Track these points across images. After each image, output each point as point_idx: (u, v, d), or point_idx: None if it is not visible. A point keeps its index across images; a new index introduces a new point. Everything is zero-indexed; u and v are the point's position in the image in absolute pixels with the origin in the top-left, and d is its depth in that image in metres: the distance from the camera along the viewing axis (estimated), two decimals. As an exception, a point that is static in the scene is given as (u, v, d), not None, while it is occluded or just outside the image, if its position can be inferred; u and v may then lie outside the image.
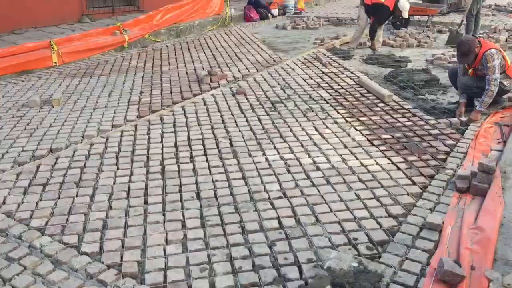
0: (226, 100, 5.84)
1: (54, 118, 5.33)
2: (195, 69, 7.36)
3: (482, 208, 3.27)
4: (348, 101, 5.78)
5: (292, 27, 11.55)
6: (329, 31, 11.15)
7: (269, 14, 12.88)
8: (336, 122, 5.07)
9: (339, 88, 6.29)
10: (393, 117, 5.20)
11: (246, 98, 5.91)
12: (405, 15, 8.38)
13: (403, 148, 4.41)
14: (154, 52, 8.83)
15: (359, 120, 5.14)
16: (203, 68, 7.34)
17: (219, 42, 9.73)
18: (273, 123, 5.07)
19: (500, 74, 5.14)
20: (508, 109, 5.38)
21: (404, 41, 9.25)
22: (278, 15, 13.31)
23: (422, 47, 9.06)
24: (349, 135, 4.73)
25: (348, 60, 8.27)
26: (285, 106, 5.61)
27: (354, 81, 6.58)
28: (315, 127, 4.92)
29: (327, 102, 5.74)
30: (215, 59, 8.09)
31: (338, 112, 5.36)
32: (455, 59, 7.29)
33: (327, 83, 6.54)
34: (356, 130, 4.85)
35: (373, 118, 5.18)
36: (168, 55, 8.54)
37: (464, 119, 5.11)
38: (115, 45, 9.00)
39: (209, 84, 6.51)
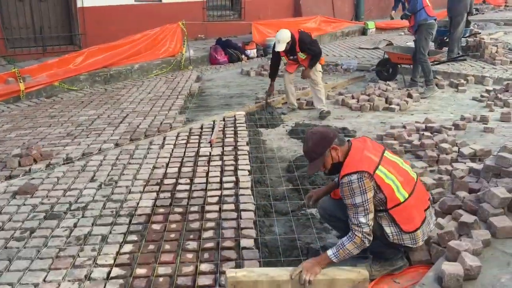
0: (-11, 206, 3.85)
1: None
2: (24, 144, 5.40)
3: None
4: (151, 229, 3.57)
5: (257, 73, 9.45)
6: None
7: (243, 56, 10.86)
8: None
9: (185, 190, 4.08)
10: None
11: (24, 203, 3.89)
12: (279, 47, 6.04)
13: None
14: (34, 108, 7.10)
15: None
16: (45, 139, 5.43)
17: (140, 93, 7.85)
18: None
19: (380, 212, 2.72)
20: (407, 269, 2.90)
21: (368, 101, 6.81)
22: (257, 57, 11.25)
23: (391, 111, 6.58)
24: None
25: (273, 128, 6.03)
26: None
27: (223, 170, 4.34)
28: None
29: (130, 222, 3.56)
30: (89, 122, 6.17)
31: (117, 253, 3.16)
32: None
33: (175, 178, 4.35)
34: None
35: None
36: (33, 114, 6.75)
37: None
38: (5, 96, 7.37)
39: (12, 169, 4.57)
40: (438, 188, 4.00)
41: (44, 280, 2.87)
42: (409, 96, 7.16)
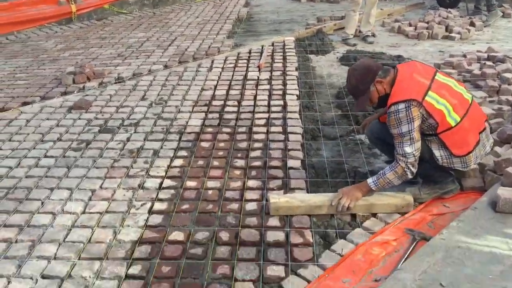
0: (47, 119, 4.02)
1: None
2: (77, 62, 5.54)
3: None
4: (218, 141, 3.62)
5: (308, -2, 9.08)
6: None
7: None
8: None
9: (232, 111, 4.09)
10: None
11: (79, 117, 4.04)
12: None
13: None
14: (85, 29, 7.19)
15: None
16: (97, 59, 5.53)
17: (188, 17, 7.76)
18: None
19: (430, 136, 2.62)
20: (459, 195, 2.84)
21: (427, 29, 6.42)
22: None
23: (451, 40, 6.20)
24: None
25: (323, 54, 5.85)
26: (112, 138, 3.64)
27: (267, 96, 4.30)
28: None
29: (179, 139, 3.64)
30: (139, 44, 6.20)
31: (169, 166, 3.27)
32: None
33: (223, 100, 4.35)
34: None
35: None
36: (85, 36, 6.83)
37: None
38: (58, 17, 7.51)
39: (67, 86, 4.72)
40: (497, 118, 3.80)
41: (100, 187, 3.02)
42: (472, 24, 6.67)
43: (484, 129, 2.72)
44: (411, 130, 2.50)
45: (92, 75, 4.84)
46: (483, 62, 4.99)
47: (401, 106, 2.48)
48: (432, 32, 6.33)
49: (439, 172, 2.73)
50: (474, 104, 2.72)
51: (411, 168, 2.57)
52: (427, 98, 2.51)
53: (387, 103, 2.65)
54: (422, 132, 2.60)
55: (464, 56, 5.29)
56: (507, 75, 4.46)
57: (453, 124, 2.55)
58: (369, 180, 2.67)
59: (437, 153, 2.61)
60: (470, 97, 2.72)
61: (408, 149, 2.53)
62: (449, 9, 7.30)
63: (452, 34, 6.25)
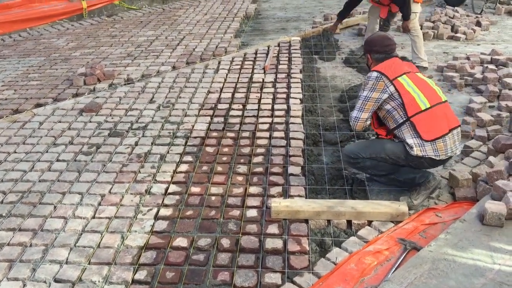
0: (59, 121, 4.18)
1: None
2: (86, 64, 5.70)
3: None
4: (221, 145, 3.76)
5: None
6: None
7: (302, -25, 10.39)
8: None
9: (237, 115, 4.22)
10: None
11: (90, 120, 4.20)
12: None
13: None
14: (96, 26, 7.32)
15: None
16: (102, 60, 5.67)
17: (196, 14, 7.86)
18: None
19: (402, 124, 2.89)
20: (451, 204, 2.95)
21: (432, 29, 6.46)
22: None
23: (456, 41, 6.24)
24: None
25: (328, 55, 5.93)
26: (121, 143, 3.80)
27: (269, 101, 4.42)
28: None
29: (185, 144, 3.78)
30: (148, 43, 6.33)
31: (174, 171, 3.43)
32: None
33: (228, 104, 4.48)
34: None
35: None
36: (95, 33, 6.96)
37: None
38: (69, 14, 7.66)
39: (78, 87, 4.87)
40: (495, 125, 3.89)
41: (109, 192, 3.18)
42: (478, 24, 6.70)
43: (456, 127, 2.92)
44: (368, 97, 2.92)
45: (102, 76, 4.99)
46: (486, 65, 5.05)
47: (374, 74, 2.94)
48: (437, 32, 6.37)
49: (419, 173, 2.95)
50: (448, 105, 2.99)
51: (354, 126, 3.03)
52: (399, 78, 2.89)
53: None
54: (398, 124, 2.88)
55: (468, 58, 5.35)
56: (508, 80, 4.53)
57: (423, 107, 2.84)
58: None
59: (410, 140, 2.85)
60: (444, 98, 2.98)
61: (354, 114, 3.00)
62: (455, 8, 7.31)
63: (458, 35, 6.29)
